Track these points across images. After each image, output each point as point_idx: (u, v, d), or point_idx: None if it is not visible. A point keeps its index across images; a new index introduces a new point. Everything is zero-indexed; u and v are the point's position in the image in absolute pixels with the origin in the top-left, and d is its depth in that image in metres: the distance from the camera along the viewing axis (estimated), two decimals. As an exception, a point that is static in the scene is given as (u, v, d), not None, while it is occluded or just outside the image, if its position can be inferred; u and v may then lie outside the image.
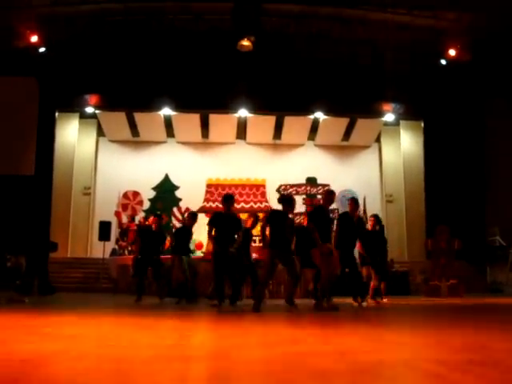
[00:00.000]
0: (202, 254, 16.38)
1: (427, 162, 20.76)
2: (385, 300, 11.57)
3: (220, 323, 6.21)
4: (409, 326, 5.73)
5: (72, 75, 18.56)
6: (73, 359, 2.94)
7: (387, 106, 20.43)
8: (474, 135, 19.68)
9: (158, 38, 18.43)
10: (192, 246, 13.09)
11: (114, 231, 20.16)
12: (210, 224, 10.29)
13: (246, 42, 16.58)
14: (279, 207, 9.14)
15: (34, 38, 16.74)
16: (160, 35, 18.32)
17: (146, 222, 17.42)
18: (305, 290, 13.62)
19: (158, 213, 14.33)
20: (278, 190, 21.43)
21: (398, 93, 19.37)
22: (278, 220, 8.74)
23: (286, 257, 8.56)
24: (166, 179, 22.54)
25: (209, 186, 22.52)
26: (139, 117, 21.49)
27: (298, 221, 16.82)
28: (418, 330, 5.11)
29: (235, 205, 21.59)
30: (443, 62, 18.23)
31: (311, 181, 22.69)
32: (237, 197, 22.35)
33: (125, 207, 22.00)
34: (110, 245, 19.54)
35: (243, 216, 14.48)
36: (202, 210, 21.53)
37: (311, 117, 21.27)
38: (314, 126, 22.12)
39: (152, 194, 22.45)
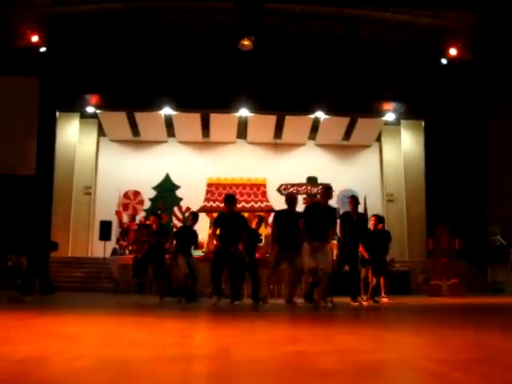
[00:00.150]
0: (202, 254, 16.40)
1: (428, 161, 20.74)
2: (385, 299, 11.57)
3: (220, 322, 6.21)
4: (409, 326, 5.73)
5: (73, 75, 18.55)
6: (73, 359, 2.94)
7: (388, 106, 20.41)
8: (474, 135, 19.65)
9: (159, 38, 18.42)
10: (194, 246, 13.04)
11: (115, 231, 20.17)
12: (215, 224, 10.38)
13: (246, 42, 16.56)
14: (280, 207, 9.20)
15: (35, 38, 16.74)
16: (161, 35, 18.31)
17: (147, 222, 17.46)
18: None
19: (159, 212, 14.35)
20: (278, 190, 21.43)
21: (398, 92, 19.36)
22: (284, 219, 8.82)
23: (291, 256, 8.64)
24: (167, 179, 22.55)
25: (209, 185, 22.52)
26: (140, 116, 21.49)
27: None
28: (418, 330, 5.11)
29: (236, 204, 21.77)
30: (444, 61, 18.20)
31: (312, 180, 22.68)
32: (237, 196, 22.31)
33: (125, 207, 22.01)
34: (111, 244, 19.55)
35: (245, 215, 14.46)
36: (203, 209, 21.54)
37: (312, 116, 21.26)
38: (315, 126, 22.12)
39: (153, 193, 22.46)
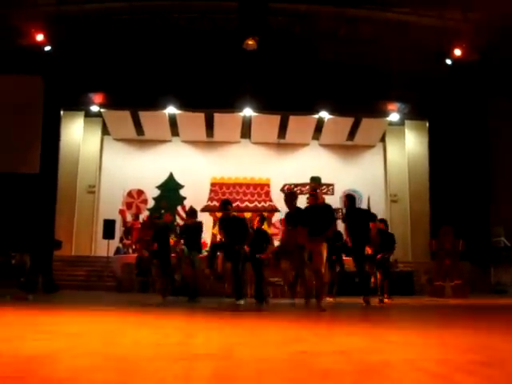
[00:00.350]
0: (206, 253, 16.41)
1: (432, 162, 20.72)
2: (386, 300, 11.55)
3: (223, 322, 6.21)
4: (412, 326, 5.72)
5: (77, 74, 18.59)
6: (77, 357, 2.95)
7: (392, 106, 20.39)
8: (478, 135, 19.63)
9: (163, 37, 18.44)
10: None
11: (119, 229, 20.21)
12: (219, 229, 10.63)
13: (251, 41, 16.57)
14: (283, 206, 9.27)
15: (40, 37, 16.76)
16: (165, 34, 18.32)
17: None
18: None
19: (162, 211, 14.38)
20: (282, 190, 21.42)
21: (402, 92, 19.34)
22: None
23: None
24: (171, 178, 22.56)
25: (213, 184, 22.53)
26: (144, 115, 21.50)
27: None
28: (422, 330, 5.10)
29: (239, 204, 21.79)
30: (448, 61, 18.17)
31: (315, 180, 22.65)
32: (241, 196, 22.39)
33: (129, 206, 22.03)
34: (114, 243, 19.59)
35: (247, 215, 14.49)
36: (206, 208, 21.57)
37: (316, 116, 21.26)
38: (319, 126, 22.11)
39: (156, 192, 22.48)
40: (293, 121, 21.60)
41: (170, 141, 22.88)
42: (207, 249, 17.41)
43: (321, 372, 2.48)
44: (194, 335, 4.58)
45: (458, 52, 17.50)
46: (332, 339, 4.22)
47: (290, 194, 10.37)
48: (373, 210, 19.45)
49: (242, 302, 10.09)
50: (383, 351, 3.34)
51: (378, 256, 11.57)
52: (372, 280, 11.49)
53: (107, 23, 17.91)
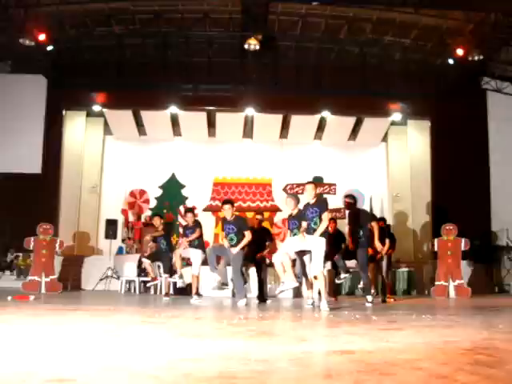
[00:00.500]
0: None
1: (434, 161, 20.71)
2: (390, 300, 11.56)
3: (225, 321, 6.21)
4: (414, 326, 5.72)
5: (79, 73, 18.61)
6: (80, 356, 2.95)
7: (394, 106, 20.36)
8: (481, 135, 19.62)
9: (166, 36, 18.46)
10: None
11: (121, 229, 20.21)
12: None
13: (253, 41, 16.58)
14: (285, 206, 9.28)
15: (42, 37, 16.76)
16: (167, 33, 18.35)
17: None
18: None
19: (164, 211, 14.41)
20: (284, 190, 21.39)
21: (405, 92, 19.33)
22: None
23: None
24: (173, 177, 22.55)
25: (215, 184, 22.52)
26: (146, 115, 21.50)
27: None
28: (423, 330, 5.10)
29: (241, 204, 21.79)
30: (451, 61, 18.15)
31: (318, 180, 22.63)
32: (243, 196, 22.38)
33: (131, 205, 22.02)
34: (117, 243, 19.61)
35: (249, 215, 14.49)
36: (209, 208, 21.57)
37: (318, 116, 21.24)
38: (321, 125, 22.10)
39: (158, 192, 22.47)
40: (295, 120, 21.59)
41: (171, 140, 22.86)
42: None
43: (323, 372, 2.48)
44: (195, 334, 4.58)
45: (460, 51, 17.47)
46: (334, 339, 4.22)
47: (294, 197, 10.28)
48: (375, 210, 19.57)
49: (243, 302, 10.10)
50: (385, 351, 3.34)
51: (378, 256, 11.60)
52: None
53: (110, 23, 17.94)
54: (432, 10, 17.02)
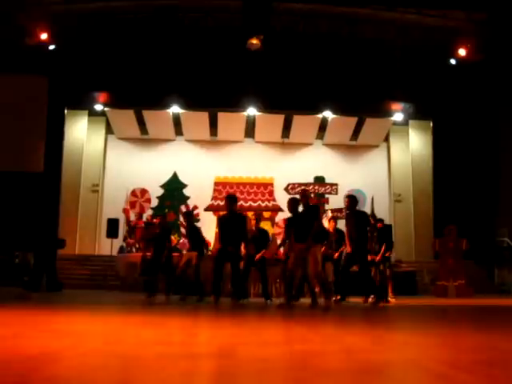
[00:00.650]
0: (209, 253, 16.42)
1: (436, 162, 20.72)
2: (392, 300, 11.56)
3: (226, 321, 6.22)
4: (415, 326, 5.72)
5: (81, 73, 18.63)
6: (80, 356, 2.95)
7: (396, 106, 20.37)
8: (484, 135, 19.60)
9: (168, 36, 18.47)
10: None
11: (122, 229, 20.24)
12: (218, 228, 10.50)
13: (255, 41, 16.58)
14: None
15: (44, 36, 16.78)
16: (169, 33, 18.36)
17: (154, 220, 17.51)
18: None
19: (166, 211, 14.40)
20: (286, 189, 21.41)
21: (407, 92, 19.32)
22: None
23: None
24: (174, 177, 22.57)
25: (217, 184, 22.54)
26: (148, 115, 21.53)
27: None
28: (424, 330, 5.10)
29: (243, 203, 21.79)
30: (453, 61, 18.15)
31: (319, 180, 22.66)
32: (244, 195, 22.39)
33: (133, 205, 22.05)
34: (118, 242, 19.62)
35: (250, 214, 14.46)
36: (210, 208, 21.59)
37: (320, 116, 21.25)
38: (323, 125, 22.11)
39: (160, 191, 22.49)
40: (297, 120, 21.60)
41: (173, 140, 22.90)
42: (210, 248, 17.45)
43: (323, 372, 2.48)
44: (197, 334, 4.58)
45: (462, 52, 17.47)
46: (335, 339, 4.22)
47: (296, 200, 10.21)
48: (376, 210, 19.55)
49: (244, 301, 10.10)
50: (385, 351, 3.34)
51: (377, 258, 11.58)
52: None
53: (112, 22, 17.94)
54: (434, 10, 17.02)
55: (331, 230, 11.83)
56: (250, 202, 22.31)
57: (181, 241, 18.42)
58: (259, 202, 22.48)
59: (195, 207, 21.48)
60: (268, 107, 20.26)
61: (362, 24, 18.23)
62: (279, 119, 21.64)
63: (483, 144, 19.57)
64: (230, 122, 21.85)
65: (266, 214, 22.09)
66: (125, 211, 21.54)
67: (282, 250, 12.30)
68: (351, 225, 10.27)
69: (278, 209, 21.98)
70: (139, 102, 20.11)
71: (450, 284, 14.72)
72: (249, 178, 22.70)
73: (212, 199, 22.19)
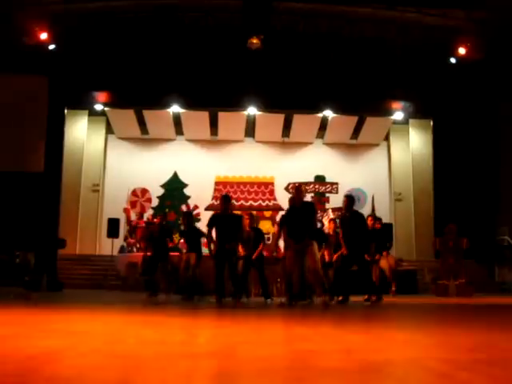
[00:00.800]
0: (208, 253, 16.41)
1: (436, 160, 20.71)
2: (373, 298, 11.51)
3: (227, 320, 6.22)
4: (416, 325, 5.72)
5: (81, 72, 18.62)
6: (80, 355, 2.95)
7: (396, 105, 20.36)
8: (484, 134, 19.59)
9: (168, 36, 18.47)
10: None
11: (123, 228, 20.24)
12: (209, 226, 10.35)
13: (255, 40, 16.58)
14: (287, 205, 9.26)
15: (44, 36, 16.78)
16: (169, 32, 18.35)
17: (154, 220, 17.50)
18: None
19: (166, 210, 14.39)
20: (286, 189, 21.41)
21: (407, 91, 19.33)
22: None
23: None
24: (175, 177, 22.58)
25: (217, 183, 22.55)
26: (148, 114, 21.53)
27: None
28: (425, 329, 5.10)
29: (243, 203, 21.80)
30: (453, 60, 18.14)
31: (320, 179, 22.67)
32: (245, 195, 22.39)
33: (133, 204, 22.06)
34: (119, 242, 19.62)
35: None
36: (210, 207, 21.58)
37: (320, 115, 21.24)
38: (323, 124, 22.11)
39: (161, 191, 22.50)
40: (297, 119, 21.60)
41: (174, 139, 22.90)
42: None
43: (324, 371, 2.47)
44: (197, 334, 4.58)
45: (462, 51, 17.46)
46: (336, 338, 4.22)
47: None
48: (377, 209, 19.59)
49: (245, 300, 10.10)
50: (386, 350, 3.34)
51: (377, 257, 11.62)
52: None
53: (111, 22, 17.94)
54: (434, 9, 17.01)
55: (331, 231, 11.77)
56: (250, 202, 22.32)
57: (181, 240, 18.42)
58: (260, 201, 22.48)
59: (196, 207, 21.49)
60: (268, 106, 20.26)
61: (362, 23, 18.22)
62: (279, 118, 21.64)
63: (483, 143, 19.56)
64: (231, 122, 21.85)
65: (267, 214, 22.11)
66: (125, 211, 21.55)
67: (282, 247, 12.25)
68: (347, 226, 10.25)
69: (278, 208, 21.98)
70: (139, 101, 20.11)
71: (450, 283, 14.71)
72: (249, 177, 22.71)
73: (212, 199, 22.19)
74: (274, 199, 22.46)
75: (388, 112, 20.97)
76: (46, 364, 2.61)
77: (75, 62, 18.51)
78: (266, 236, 13.48)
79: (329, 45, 19.02)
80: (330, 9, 17.63)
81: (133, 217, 21.50)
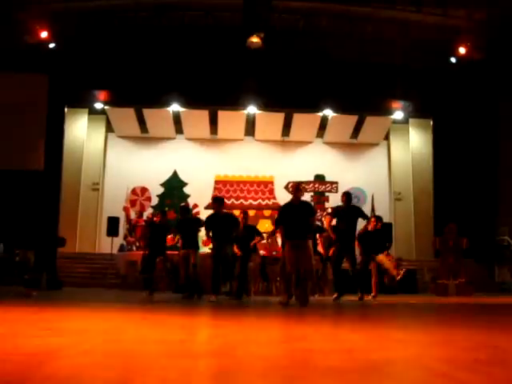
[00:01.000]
0: (209, 251, 16.40)
1: (436, 160, 20.71)
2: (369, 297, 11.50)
3: (226, 319, 6.22)
4: (416, 325, 5.72)
5: (81, 71, 18.62)
6: (80, 354, 2.95)
7: (396, 104, 20.36)
8: (484, 133, 19.58)
9: (168, 34, 18.47)
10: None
11: (122, 227, 20.23)
12: (206, 228, 10.39)
13: (255, 39, 16.57)
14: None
15: (44, 34, 16.78)
16: (169, 31, 18.35)
17: (154, 218, 17.49)
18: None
19: (166, 209, 14.38)
20: (286, 188, 21.40)
21: (407, 91, 19.32)
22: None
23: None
24: (175, 175, 22.57)
25: (217, 182, 22.54)
26: (148, 113, 21.52)
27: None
28: (425, 329, 5.10)
29: (243, 202, 21.80)
30: (453, 60, 18.14)
31: (319, 178, 22.67)
32: (245, 194, 22.39)
33: (133, 203, 22.06)
34: (118, 240, 19.61)
35: (236, 212, 14.40)
36: (210, 206, 21.55)
37: (320, 114, 21.25)
38: (323, 124, 22.11)
39: (160, 190, 22.50)
40: (297, 118, 21.60)
41: (173, 138, 22.90)
42: (210, 247, 17.42)
43: (324, 370, 2.47)
44: (197, 332, 4.58)
45: (462, 50, 17.45)
46: (336, 337, 4.22)
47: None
48: (377, 209, 19.61)
49: (246, 300, 10.12)
50: (386, 349, 3.34)
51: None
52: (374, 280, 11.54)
53: (111, 20, 17.94)
54: (435, 9, 17.01)
55: (327, 226, 11.78)
56: (250, 201, 22.31)
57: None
58: (259, 200, 22.48)
59: (195, 205, 21.47)
60: (268, 105, 20.26)
61: (363, 22, 18.21)
62: (279, 117, 21.64)
63: (483, 142, 19.55)
64: (230, 121, 21.85)
65: (267, 213, 22.10)
66: (125, 209, 21.55)
67: (279, 246, 12.23)
68: (342, 216, 10.32)
69: (278, 207, 21.97)
70: (139, 100, 20.10)
71: (450, 282, 14.71)
72: (249, 176, 22.71)
73: (212, 198, 22.20)
74: (274, 198, 22.45)
75: (388, 111, 20.97)
76: (45, 362, 2.60)
77: (75, 61, 18.50)
78: (263, 235, 13.42)
79: (329, 44, 19.02)
80: (330, 8, 17.62)
81: (132, 215, 21.50)
